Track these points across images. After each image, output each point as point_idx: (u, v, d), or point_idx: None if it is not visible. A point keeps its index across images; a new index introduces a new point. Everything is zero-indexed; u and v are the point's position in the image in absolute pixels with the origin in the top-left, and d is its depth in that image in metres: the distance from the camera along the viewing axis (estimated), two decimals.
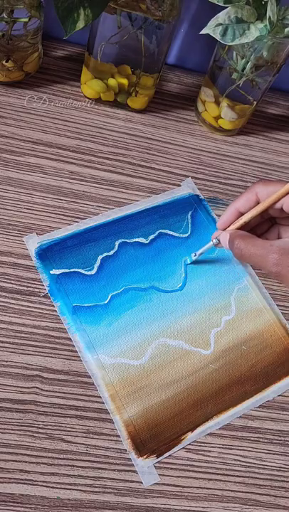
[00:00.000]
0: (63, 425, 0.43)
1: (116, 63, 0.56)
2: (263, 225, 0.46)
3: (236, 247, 0.41)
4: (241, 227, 0.44)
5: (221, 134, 0.63)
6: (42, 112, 0.58)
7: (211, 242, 0.47)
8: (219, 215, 0.56)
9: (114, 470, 0.42)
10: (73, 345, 0.46)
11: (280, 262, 0.39)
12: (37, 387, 0.44)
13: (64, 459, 0.42)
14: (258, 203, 0.43)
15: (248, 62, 0.53)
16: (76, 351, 0.46)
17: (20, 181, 0.53)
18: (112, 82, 0.58)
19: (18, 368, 0.44)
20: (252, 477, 0.44)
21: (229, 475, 0.44)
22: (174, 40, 0.63)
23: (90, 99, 0.60)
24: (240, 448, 0.45)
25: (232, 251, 0.42)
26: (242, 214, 0.44)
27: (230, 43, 0.49)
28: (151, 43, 0.52)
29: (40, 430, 0.43)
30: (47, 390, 0.44)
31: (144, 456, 0.43)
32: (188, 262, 0.52)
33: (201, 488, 0.43)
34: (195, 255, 0.51)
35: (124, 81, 0.57)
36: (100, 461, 0.42)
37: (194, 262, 0.52)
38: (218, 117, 0.61)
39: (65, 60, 0.63)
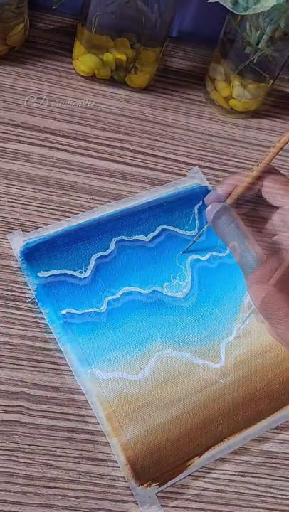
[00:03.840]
0: (52, 449, 0.43)
1: (113, 36, 0.56)
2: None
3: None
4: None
5: (233, 116, 0.63)
6: (28, 91, 0.58)
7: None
8: None
9: (110, 500, 0.43)
10: (64, 358, 0.46)
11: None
12: (22, 406, 0.44)
13: (53, 487, 0.42)
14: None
15: (263, 34, 0.53)
16: (67, 365, 0.46)
17: (3, 171, 0.53)
18: (108, 57, 0.58)
19: (1, 384, 0.45)
20: (268, 508, 0.45)
21: (242, 506, 0.44)
22: (180, 10, 0.63)
23: (83, 76, 0.60)
24: (254, 475, 0.46)
25: (214, 229, 0.42)
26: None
27: (243, 13, 0.49)
28: (153, 13, 0.53)
29: (27, 455, 0.43)
30: (34, 409, 0.44)
31: (145, 485, 0.43)
32: (181, 253, 0.52)
33: None
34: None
35: (123, 56, 0.58)
36: (94, 490, 0.43)
37: (202, 264, 0.53)
38: (229, 97, 0.61)
39: (54, 33, 0.63)
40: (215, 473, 0.45)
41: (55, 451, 0.43)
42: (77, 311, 0.48)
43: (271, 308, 0.40)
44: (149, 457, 0.44)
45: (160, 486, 0.43)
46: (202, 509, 0.44)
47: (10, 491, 0.41)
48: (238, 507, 0.44)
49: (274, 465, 0.46)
